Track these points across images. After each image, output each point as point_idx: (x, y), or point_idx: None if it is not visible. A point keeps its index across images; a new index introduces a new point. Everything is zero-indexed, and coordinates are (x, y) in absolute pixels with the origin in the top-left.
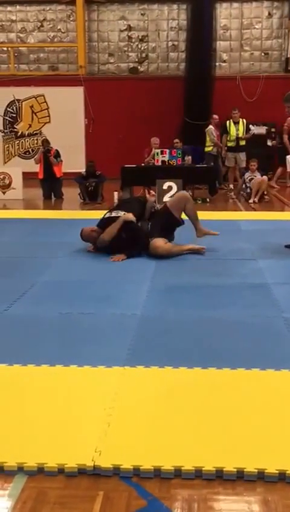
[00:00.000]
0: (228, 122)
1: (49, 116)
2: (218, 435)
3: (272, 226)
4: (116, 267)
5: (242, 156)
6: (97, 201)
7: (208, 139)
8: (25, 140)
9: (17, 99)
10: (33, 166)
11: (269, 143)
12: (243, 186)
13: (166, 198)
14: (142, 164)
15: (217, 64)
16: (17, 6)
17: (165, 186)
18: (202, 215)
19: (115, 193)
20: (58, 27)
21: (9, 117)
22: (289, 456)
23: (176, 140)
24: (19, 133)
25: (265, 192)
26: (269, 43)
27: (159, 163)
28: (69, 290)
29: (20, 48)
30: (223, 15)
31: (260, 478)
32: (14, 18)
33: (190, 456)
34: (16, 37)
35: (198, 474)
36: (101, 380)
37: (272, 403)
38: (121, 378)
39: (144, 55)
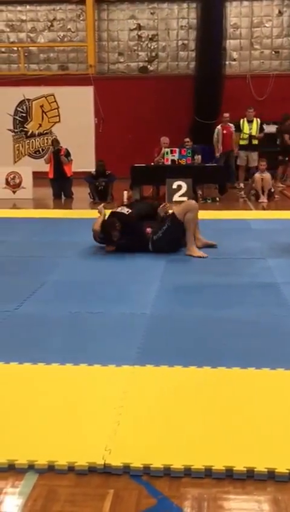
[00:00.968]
0: (241, 120)
1: (59, 115)
2: (228, 434)
3: (282, 225)
4: (125, 266)
5: (254, 155)
6: (107, 201)
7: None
8: (35, 139)
9: (27, 99)
10: (43, 165)
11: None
12: (253, 185)
13: (176, 198)
14: (152, 163)
15: (227, 62)
16: (27, 6)
17: (174, 186)
18: (212, 214)
19: (125, 192)
20: (68, 27)
21: (19, 117)
22: None
23: (187, 139)
24: (29, 133)
25: (272, 190)
26: (279, 42)
27: (169, 163)
28: (79, 289)
29: (30, 48)
30: (233, 13)
31: (271, 477)
32: (24, 18)
33: (199, 455)
34: (26, 37)
35: (208, 473)
36: (111, 379)
37: (285, 403)
38: (130, 377)
39: (153, 54)
